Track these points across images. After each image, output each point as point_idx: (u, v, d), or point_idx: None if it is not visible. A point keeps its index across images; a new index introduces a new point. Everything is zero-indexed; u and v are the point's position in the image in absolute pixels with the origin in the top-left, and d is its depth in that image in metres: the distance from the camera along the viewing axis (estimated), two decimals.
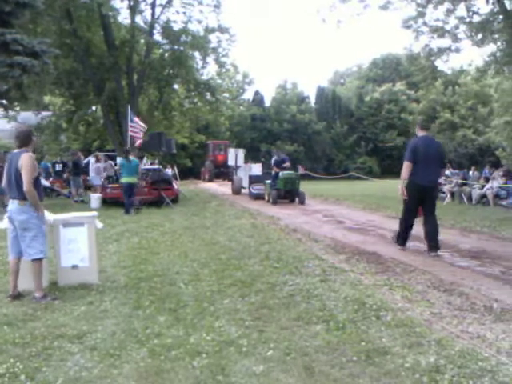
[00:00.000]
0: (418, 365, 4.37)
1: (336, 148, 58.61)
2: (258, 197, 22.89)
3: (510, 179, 21.09)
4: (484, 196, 20.66)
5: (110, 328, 5.39)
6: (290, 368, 4.35)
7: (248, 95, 62.37)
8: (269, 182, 21.71)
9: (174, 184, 20.75)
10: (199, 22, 31.49)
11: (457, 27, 21.23)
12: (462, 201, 21.76)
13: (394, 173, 44.40)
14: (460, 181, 22.91)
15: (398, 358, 4.51)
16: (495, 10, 20.46)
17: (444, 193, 23.19)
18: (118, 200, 18.06)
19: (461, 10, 21.21)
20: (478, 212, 17.41)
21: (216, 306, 6.09)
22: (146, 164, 24.96)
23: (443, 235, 12.35)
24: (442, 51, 22.02)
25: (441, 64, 25.35)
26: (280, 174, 20.69)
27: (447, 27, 21.26)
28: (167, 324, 5.47)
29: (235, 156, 30.35)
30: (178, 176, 29.31)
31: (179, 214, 16.15)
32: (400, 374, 4.21)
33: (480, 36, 21.02)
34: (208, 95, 33.95)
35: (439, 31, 21.21)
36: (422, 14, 21.02)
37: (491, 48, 22.11)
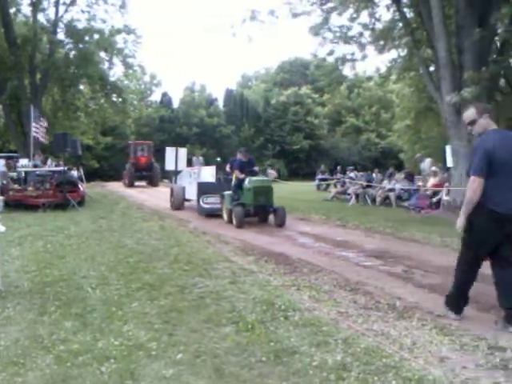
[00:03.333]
0: (325, 363, 4.46)
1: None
2: (210, 214, 16.63)
3: (411, 181, 21.91)
4: (387, 197, 21.34)
5: (13, 335, 5.20)
6: (200, 370, 4.34)
7: (156, 97, 61.86)
8: (228, 193, 15.34)
9: (79, 186, 20.25)
10: (104, 21, 31.09)
11: (360, 34, 21.83)
12: (366, 202, 22.38)
13: (301, 175, 45.23)
14: (364, 183, 23.56)
15: (306, 357, 4.59)
16: (396, 17, 21.22)
17: (349, 194, 23.82)
18: (21, 203, 17.55)
19: (364, 17, 21.85)
20: (382, 213, 17.95)
21: (124, 310, 5.99)
22: (50, 165, 24.11)
23: (348, 236, 12.72)
24: (347, 59, 22.56)
25: (346, 69, 25.98)
26: (246, 181, 14.67)
27: (351, 33, 21.82)
28: (74, 329, 5.33)
29: (175, 157, 23.10)
30: (84, 178, 28.60)
31: (86, 217, 15.77)
32: (308, 372, 4.29)
33: (382, 43, 21.71)
34: (115, 96, 33.47)
35: (344, 37, 21.72)
36: (326, 21, 21.46)
37: (393, 54, 22.93)
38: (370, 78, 40.38)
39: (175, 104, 60.79)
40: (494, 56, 18.77)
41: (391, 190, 21.43)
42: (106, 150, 49.73)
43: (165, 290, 6.93)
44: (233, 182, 15.62)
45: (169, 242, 11.01)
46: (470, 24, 17.10)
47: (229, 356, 4.65)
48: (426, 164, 21.43)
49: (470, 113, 5.88)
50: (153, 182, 35.21)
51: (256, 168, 16.05)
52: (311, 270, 8.50)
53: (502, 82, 25.27)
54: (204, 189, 17.10)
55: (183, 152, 23.98)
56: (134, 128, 51.05)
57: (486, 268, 7.50)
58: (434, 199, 18.55)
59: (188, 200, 19.54)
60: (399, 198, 20.88)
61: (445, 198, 18.17)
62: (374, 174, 26.14)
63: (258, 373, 4.30)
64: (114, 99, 33.86)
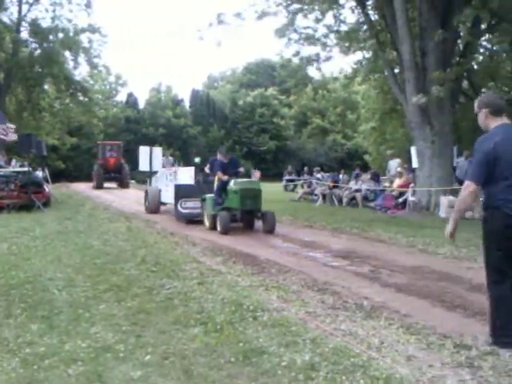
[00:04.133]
0: (293, 363, 4.47)
1: (212, 152, 58.83)
2: (190, 219, 15.41)
3: (377, 182, 22.14)
4: (353, 198, 21.51)
5: None
6: (169, 372, 4.32)
7: (121, 97, 61.41)
8: (210, 196, 14.20)
9: (45, 187, 20.00)
10: (69, 21, 30.78)
11: (325, 35, 21.99)
12: (332, 203, 22.52)
13: (269, 176, 45.38)
14: (331, 184, 23.72)
15: (275, 357, 4.60)
16: (361, 20, 21.42)
17: (316, 195, 23.97)
18: None
19: (329, 19, 22.04)
20: (348, 213, 18.09)
21: (91, 312, 5.93)
22: (14, 166, 23.71)
23: (316, 236, 12.80)
24: (312, 59, 22.68)
25: (312, 70, 26.16)
26: (231, 183, 13.58)
27: (317, 35, 21.96)
28: (40, 332, 5.26)
29: (149, 157, 21.55)
30: (49, 179, 28.21)
31: (51, 218, 15.58)
32: (277, 372, 4.30)
33: (347, 44, 21.91)
34: (80, 96, 33.14)
35: (309, 39, 21.86)
36: (292, 22, 21.57)
37: (358, 56, 23.12)
38: (335, 79, 40.67)
39: (141, 104, 60.46)
40: (457, 58, 19.09)
41: (358, 190, 21.61)
42: (71, 150, 49.23)
43: (132, 291, 6.88)
44: (215, 185, 14.43)
45: (136, 243, 10.93)
46: (433, 26, 17.39)
47: (197, 357, 4.64)
48: (393, 164, 21.65)
49: (475, 105, 5.27)
50: (122, 184, 34.12)
51: (241, 169, 14.91)
52: (279, 271, 8.52)
53: (466, 84, 25.72)
54: (182, 192, 15.66)
55: (158, 151, 22.51)
56: (101, 127, 50.56)
57: (451, 268, 7.65)
58: (400, 200, 18.76)
59: (164, 203, 18.48)
60: (365, 198, 21.09)
61: (410, 198, 18.40)
62: (340, 175, 26.36)
63: (227, 373, 4.30)
64: (80, 99, 33.50)
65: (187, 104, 62.75)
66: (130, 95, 60.08)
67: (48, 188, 21.06)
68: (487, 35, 21.91)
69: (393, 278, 8.13)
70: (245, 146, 59.66)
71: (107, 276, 7.79)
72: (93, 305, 6.24)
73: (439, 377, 4.31)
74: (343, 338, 5.18)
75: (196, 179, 17.14)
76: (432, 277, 8.25)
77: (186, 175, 17.53)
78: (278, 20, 51.34)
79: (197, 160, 20.83)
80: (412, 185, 18.89)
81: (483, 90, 30.23)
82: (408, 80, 17.77)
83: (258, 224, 13.94)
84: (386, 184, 21.26)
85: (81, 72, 38.08)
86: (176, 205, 15.65)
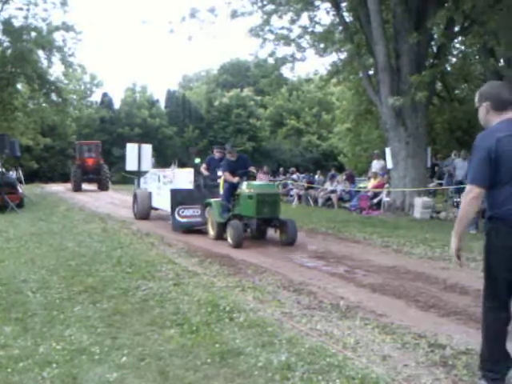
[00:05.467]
0: (270, 363, 4.48)
1: (188, 153, 58.68)
2: (189, 228, 13.55)
3: (352, 183, 22.27)
4: (329, 199, 21.61)
5: None
6: (145, 374, 4.31)
7: (96, 97, 60.91)
8: (217, 201, 12.49)
9: (18, 188, 19.79)
10: (44, 20, 30.49)
11: (300, 36, 22.04)
12: (308, 203, 22.61)
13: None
14: (306, 184, 23.81)
15: (251, 358, 4.61)
16: (335, 21, 21.51)
17: (292, 196, 24.05)
18: None
19: (305, 20, 22.10)
20: (324, 214, 18.17)
21: (66, 314, 5.89)
22: None
23: None
24: (287, 60, 22.70)
25: (287, 72, 26.23)
26: (244, 186, 11.74)
27: (292, 36, 22.00)
28: (14, 334, 5.21)
29: (137, 155, 18.85)
30: (23, 179, 27.90)
31: (25, 220, 15.42)
32: (253, 373, 4.31)
33: (322, 45, 21.98)
34: (54, 96, 32.80)
35: (284, 39, 21.89)
36: (267, 22, 21.59)
37: (333, 57, 23.18)
38: (308, 81, 40.78)
39: (116, 105, 60.07)
40: (431, 60, 19.29)
41: (333, 191, 21.71)
42: (45, 151, 48.71)
43: (108, 292, 6.84)
44: (221, 187, 12.64)
45: (111, 245, 10.86)
46: (407, 28, 17.55)
47: (173, 358, 4.63)
48: (376, 165, 21.76)
49: (475, 98, 4.37)
50: (102, 186, 32.80)
51: (252, 168, 12.72)
52: (255, 271, 8.54)
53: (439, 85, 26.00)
54: (180, 198, 13.68)
55: (147, 149, 19.58)
56: (75, 127, 50.12)
57: (425, 268, 7.73)
58: (375, 200, 18.88)
59: (155, 209, 16.64)
60: (341, 199, 21.19)
61: (385, 199, 18.53)
62: (315, 176, 26.46)
63: (203, 375, 4.30)
64: (54, 98, 33.10)
65: (162, 104, 62.49)
66: (104, 95, 59.58)
67: (21, 189, 20.86)
68: (460, 37, 22.13)
69: (368, 279, 8.19)
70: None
71: (82, 277, 7.73)
72: (67, 307, 6.19)
73: (414, 376, 4.35)
74: (319, 338, 5.21)
75: (196, 183, 14.92)
76: (407, 277, 8.32)
77: (184, 178, 15.47)
78: (253, 20, 51.47)
79: (197, 161, 17.05)
80: (387, 185, 19.03)
81: (456, 91, 30.67)
82: (383, 81, 17.89)
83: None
84: (362, 185, 21.38)
85: (55, 71, 37.72)
86: (173, 213, 13.67)
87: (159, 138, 56.43)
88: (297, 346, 4.90)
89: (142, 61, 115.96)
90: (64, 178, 38.57)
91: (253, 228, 11.59)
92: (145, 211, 16.51)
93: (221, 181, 12.71)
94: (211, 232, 12.54)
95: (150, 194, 16.78)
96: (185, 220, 13.65)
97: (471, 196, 4.03)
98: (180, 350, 4.83)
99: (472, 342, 5.11)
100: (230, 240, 11.32)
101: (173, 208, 13.64)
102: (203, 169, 14.60)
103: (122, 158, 21.61)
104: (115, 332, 5.32)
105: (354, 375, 4.22)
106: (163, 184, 15.99)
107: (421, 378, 4.31)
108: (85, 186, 32.69)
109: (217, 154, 14.51)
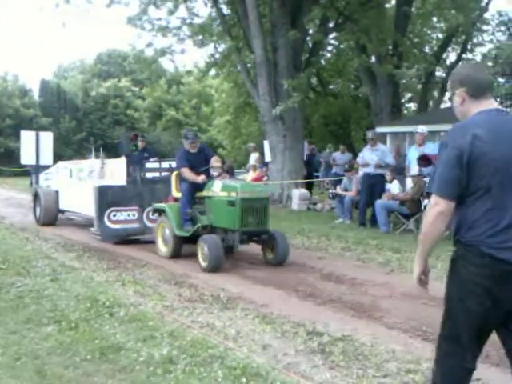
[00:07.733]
0: (151, 358, 4.47)
1: (64, 144, 56.80)
2: (124, 238, 10.81)
3: (232, 175, 22.38)
4: None
5: None
6: (21, 373, 4.17)
7: None
8: (173, 205, 9.49)
9: None
10: None
11: (179, 28, 21.91)
12: None
13: None
14: None
15: (133, 353, 4.57)
16: (213, 14, 21.56)
17: None
18: None
19: (183, 12, 21.91)
20: None
21: None
22: None
23: None
24: (165, 51, 22.47)
25: (166, 63, 25.95)
26: (216, 187, 8.98)
27: (170, 27, 21.80)
28: None
29: (35, 145, 15.45)
30: None
31: None
32: (135, 368, 4.28)
33: (200, 37, 21.97)
34: None
35: (162, 30, 21.66)
36: (144, 12, 21.27)
37: (211, 49, 23.19)
38: (189, 72, 40.62)
39: None
40: (307, 55, 19.82)
41: None
42: None
43: None
44: (174, 190, 9.77)
45: None
46: (283, 23, 17.94)
47: (52, 356, 4.51)
48: (252, 157, 21.98)
49: (447, 85, 3.35)
50: None
51: (217, 161, 10.53)
52: (135, 265, 8.46)
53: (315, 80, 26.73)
54: (110, 198, 10.81)
55: (48, 138, 16.09)
56: None
57: (304, 258, 7.93)
58: None
59: (63, 211, 13.59)
60: None
61: None
62: None
63: (83, 372, 4.23)
64: None
65: (36, 94, 60.11)
66: None
67: None
68: (334, 33, 22.86)
69: (251, 271, 8.30)
70: (99, 138, 58.11)
71: None
72: None
73: (294, 364, 4.48)
74: (200, 330, 5.24)
75: (131, 177, 11.77)
76: (288, 268, 8.50)
77: (115, 172, 11.91)
78: (130, 10, 50.63)
79: (134, 147, 14.23)
80: (265, 178, 19.33)
81: (331, 86, 31.66)
82: (260, 75, 18.13)
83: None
84: (241, 177, 21.56)
85: None
86: (101, 218, 10.70)
87: (34, 128, 54.24)
88: (178, 338, 4.90)
89: (14, 50, 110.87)
90: None
91: (234, 244, 8.53)
92: (51, 214, 13.34)
93: (172, 180, 9.84)
94: (162, 248, 9.50)
95: (56, 193, 13.52)
96: (118, 226, 10.83)
97: (437, 210, 2.95)
98: (58, 347, 4.71)
99: (347, 328, 5.34)
100: (202, 261, 8.29)
101: (100, 211, 10.72)
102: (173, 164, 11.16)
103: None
104: None
105: (236, 365, 4.28)
106: (79, 180, 12.97)
107: (300, 366, 4.44)
108: None
109: (140, 144, 13.48)
